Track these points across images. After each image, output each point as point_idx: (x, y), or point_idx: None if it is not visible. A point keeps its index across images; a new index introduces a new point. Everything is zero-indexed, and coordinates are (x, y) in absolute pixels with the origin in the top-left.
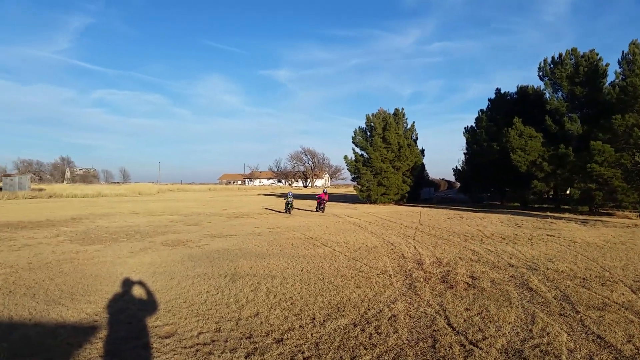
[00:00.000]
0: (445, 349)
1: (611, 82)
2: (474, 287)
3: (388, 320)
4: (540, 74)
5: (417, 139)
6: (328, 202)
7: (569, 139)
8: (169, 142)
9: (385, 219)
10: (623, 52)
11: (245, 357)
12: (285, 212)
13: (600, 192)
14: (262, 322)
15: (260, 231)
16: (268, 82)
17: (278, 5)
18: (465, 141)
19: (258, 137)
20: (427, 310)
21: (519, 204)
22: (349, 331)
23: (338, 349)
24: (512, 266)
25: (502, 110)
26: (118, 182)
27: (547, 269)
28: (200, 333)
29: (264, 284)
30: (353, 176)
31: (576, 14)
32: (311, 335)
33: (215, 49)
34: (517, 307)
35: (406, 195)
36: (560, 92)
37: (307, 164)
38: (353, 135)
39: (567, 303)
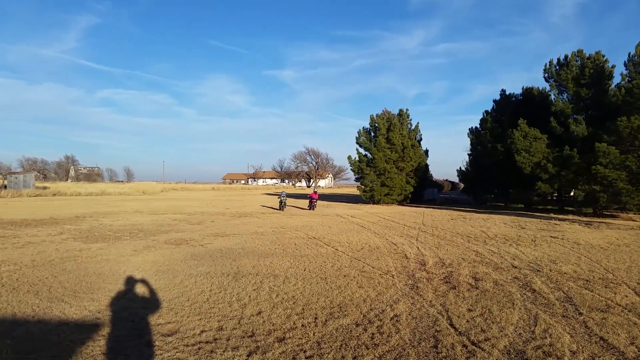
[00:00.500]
0: (448, 350)
1: (617, 84)
2: (476, 288)
3: (390, 320)
4: (546, 75)
5: (421, 139)
6: (332, 203)
7: (574, 140)
8: (173, 141)
9: (389, 219)
10: (629, 53)
11: (248, 356)
12: (279, 209)
13: (605, 194)
14: (264, 321)
15: (263, 230)
16: (273, 82)
17: (284, 6)
18: (469, 142)
19: (262, 137)
20: (430, 310)
21: (522, 205)
22: (351, 331)
23: (340, 349)
24: (515, 267)
25: (507, 112)
26: (122, 181)
27: (551, 270)
28: (202, 331)
29: (266, 283)
30: (356, 176)
31: (583, 15)
32: (313, 335)
33: (221, 49)
34: (520, 309)
35: (409, 195)
36: (566, 94)
37: (310, 164)
38: (357, 136)
39: (570, 305)
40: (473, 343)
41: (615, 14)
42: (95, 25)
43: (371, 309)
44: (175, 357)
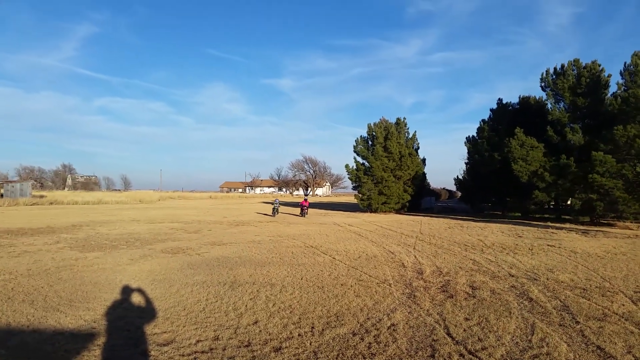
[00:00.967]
0: (445, 359)
1: (613, 93)
2: (474, 296)
3: (387, 329)
4: (543, 84)
5: (418, 148)
6: (330, 212)
7: (571, 149)
8: (171, 149)
9: (386, 227)
10: (625, 63)
11: None
12: (272, 215)
13: (602, 203)
14: (260, 331)
15: (261, 239)
16: (271, 90)
17: (282, 15)
18: (466, 151)
19: (260, 145)
20: (427, 319)
21: (520, 214)
22: (347, 340)
23: (337, 358)
24: (513, 276)
25: (504, 121)
26: (119, 190)
27: (548, 279)
28: (198, 341)
29: (263, 292)
30: (354, 185)
31: (579, 25)
32: (310, 344)
33: (219, 58)
34: (517, 317)
35: (407, 204)
36: (562, 103)
37: (308, 173)
38: (354, 144)
39: (567, 313)
40: (470, 352)
41: (611, 24)
42: (93, 34)
43: (368, 318)
44: None
